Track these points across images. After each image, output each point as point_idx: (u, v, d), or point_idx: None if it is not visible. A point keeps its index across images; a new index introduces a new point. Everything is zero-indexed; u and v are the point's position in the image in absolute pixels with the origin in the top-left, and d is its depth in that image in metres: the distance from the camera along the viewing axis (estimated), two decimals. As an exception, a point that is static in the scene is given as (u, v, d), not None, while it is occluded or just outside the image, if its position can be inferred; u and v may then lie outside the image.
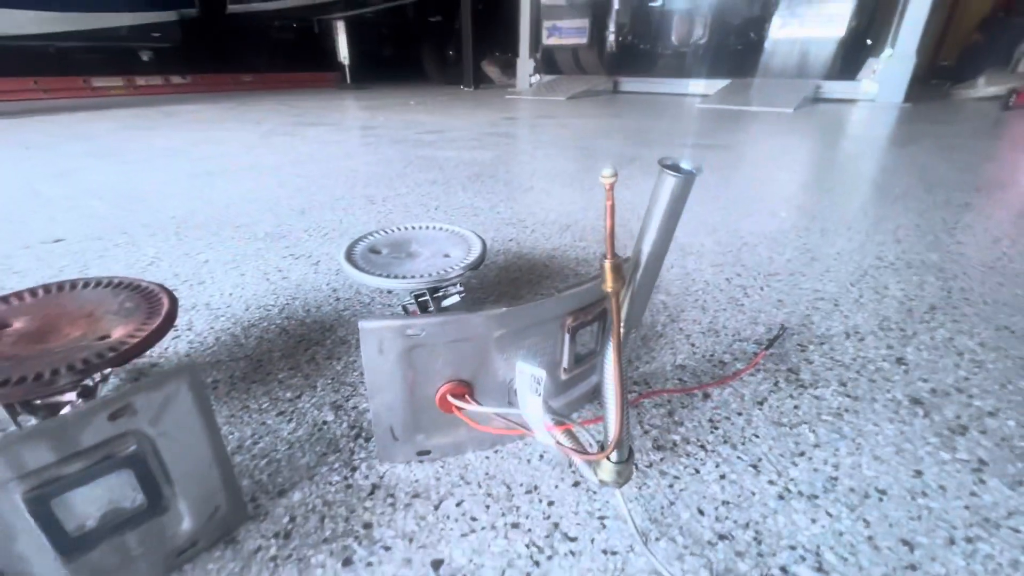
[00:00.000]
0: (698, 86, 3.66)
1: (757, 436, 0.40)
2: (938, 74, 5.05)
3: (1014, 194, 1.08)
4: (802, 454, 0.39)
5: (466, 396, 0.35)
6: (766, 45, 3.34)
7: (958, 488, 0.35)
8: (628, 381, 0.47)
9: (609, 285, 0.21)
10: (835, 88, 3.19)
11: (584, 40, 3.96)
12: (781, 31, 3.19)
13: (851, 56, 3.22)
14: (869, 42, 3.32)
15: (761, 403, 0.44)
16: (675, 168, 0.19)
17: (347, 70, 4.75)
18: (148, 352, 0.50)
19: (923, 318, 0.58)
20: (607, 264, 0.21)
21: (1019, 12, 3.61)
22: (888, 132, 2.00)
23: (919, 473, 0.37)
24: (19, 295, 0.44)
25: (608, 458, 0.27)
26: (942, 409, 0.43)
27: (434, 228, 0.63)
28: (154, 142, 1.77)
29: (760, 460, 0.38)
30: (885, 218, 0.94)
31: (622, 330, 0.24)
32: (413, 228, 0.63)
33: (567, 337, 0.38)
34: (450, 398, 0.35)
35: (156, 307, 0.44)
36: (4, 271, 0.70)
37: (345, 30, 4.57)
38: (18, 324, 0.41)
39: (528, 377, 0.29)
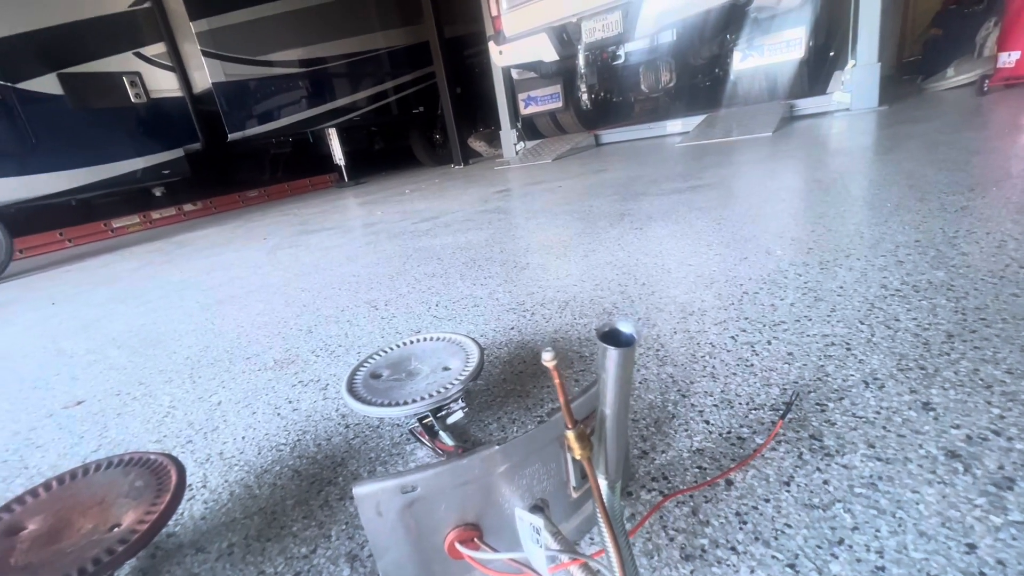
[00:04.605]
0: (675, 125, 3.78)
1: (790, 526, 0.38)
2: (907, 70, 5.17)
3: (1009, 188, 1.07)
4: (841, 542, 0.36)
5: (475, 539, 0.34)
6: (733, 78, 3.47)
7: (1019, 560, 0.32)
8: (629, 500, 0.45)
9: (578, 453, 0.21)
10: (809, 104, 3.26)
11: (559, 104, 4.16)
12: (743, 64, 3.32)
13: (817, 72, 3.32)
14: (832, 54, 3.43)
15: (788, 483, 0.42)
16: (614, 335, 0.19)
17: (344, 170, 5.02)
18: (164, 522, 0.50)
19: (942, 350, 0.56)
20: (571, 435, 0.21)
21: (970, 3, 3.73)
22: (869, 140, 2.02)
23: (972, 547, 0.34)
24: (34, 491, 0.45)
25: (623, 608, 0.26)
26: (982, 460, 0.41)
27: (431, 339, 0.63)
28: (170, 276, 1.87)
29: (797, 556, 0.35)
30: (882, 238, 0.93)
31: (603, 483, 0.24)
32: (411, 343, 0.64)
33: (569, 456, 0.37)
34: (458, 546, 0.34)
35: (165, 482, 0.44)
36: (28, 446, 0.72)
37: (337, 135, 4.88)
38: (32, 526, 0.41)
39: (527, 526, 0.28)
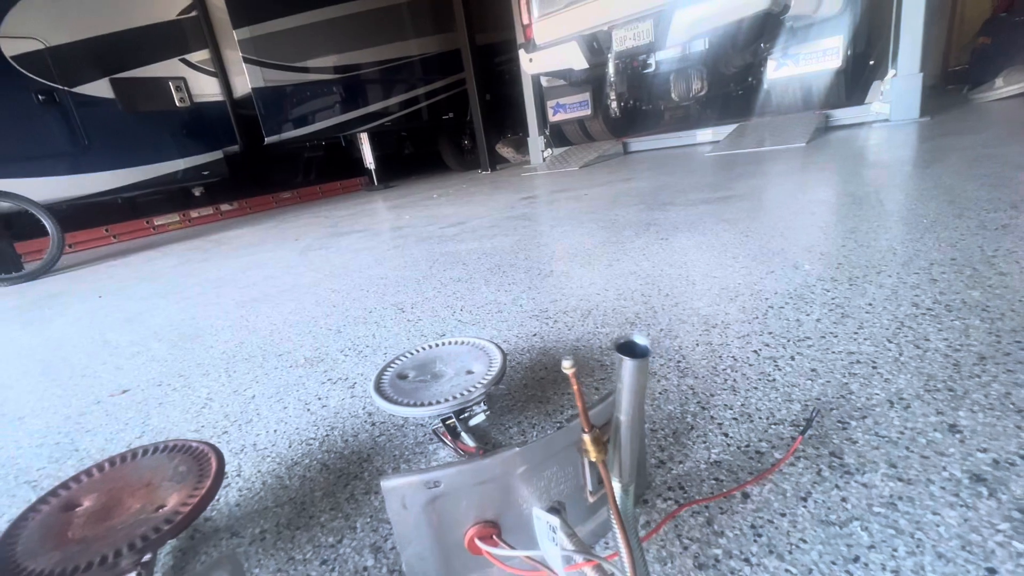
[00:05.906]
0: (706, 134, 3.74)
1: (805, 541, 0.38)
2: (952, 80, 4.98)
3: (1055, 206, 1.03)
4: (856, 559, 0.36)
5: (493, 537, 0.36)
6: (766, 87, 3.42)
7: (1041, 587, 0.32)
8: (645, 508, 0.46)
9: (593, 455, 0.23)
10: (846, 114, 3.18)
11: (588, 111, 4.17)
12: (777, 72, 3.27)
13: (855, 82, 3.24)
14: (872, 63, 3.34)
15: (805, 498, 0.42)
16: (629, 346, 0.21)
17: (374, 173, 5.14)
18: (202, 506, 0.53)
19: (972, 372, 0.55)
20: (587, 438, 0.22)
21: (1020, 11, 3.58)
22: (908, 153, 1.96)
23: (992, 572, 0.34)
24: (88, 472, 0.48)
25: (634, 608, 0.27)
26: (1008, 485, 0.40)
27: (456, 343, 0.65)
28: (208, 274, 1.95)
29: (811, 571, 0.36)
30: (916, 255, 0.91)
31: (617, 487, 0.25)
32: (436, 346, 0.66)
33: (586, 460, 0.38)
34: (477, 542, 0.35)
35: (206, 468, 0.47)
36: (79, 431, 0.77)
37: (368, 139, 5.00)
38: (87, 503, 0.45)
39: (544, 525, 0.29)
